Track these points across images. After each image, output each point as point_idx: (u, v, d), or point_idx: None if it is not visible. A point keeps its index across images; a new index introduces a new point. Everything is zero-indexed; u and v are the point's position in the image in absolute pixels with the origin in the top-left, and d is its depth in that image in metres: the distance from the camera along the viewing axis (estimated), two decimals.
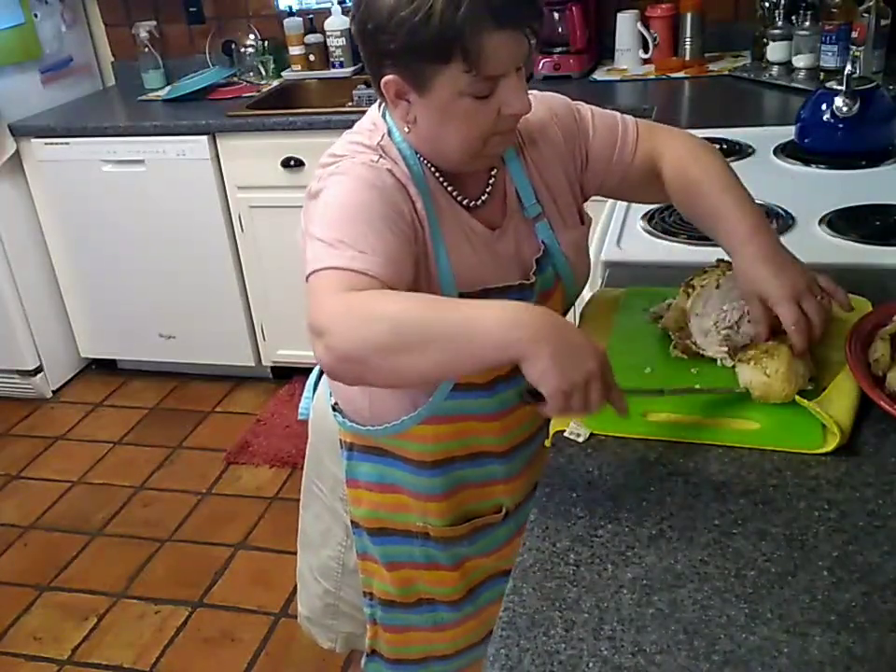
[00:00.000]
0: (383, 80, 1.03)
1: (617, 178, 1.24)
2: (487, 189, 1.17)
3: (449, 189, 1.13)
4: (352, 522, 1.34)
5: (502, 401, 1.19)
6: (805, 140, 1.89)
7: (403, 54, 0.99)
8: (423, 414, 1.18)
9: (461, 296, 1.10)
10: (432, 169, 1.12)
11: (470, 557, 1.32)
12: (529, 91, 1.08)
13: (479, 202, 1.16)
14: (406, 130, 1.08)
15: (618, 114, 1.26)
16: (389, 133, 1.11)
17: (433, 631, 1.38)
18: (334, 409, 1.28)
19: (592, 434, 1.05)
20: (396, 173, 1.07)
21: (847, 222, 1.54)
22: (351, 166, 1.06)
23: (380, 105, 1.14)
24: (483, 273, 1.13)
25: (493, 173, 1.18)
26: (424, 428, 1.19)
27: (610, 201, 1.71)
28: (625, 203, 1.69)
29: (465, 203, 1.15)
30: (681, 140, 1.24)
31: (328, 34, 3.13)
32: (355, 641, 1.51)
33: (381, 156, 1.08)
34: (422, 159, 1.11)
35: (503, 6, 0.96)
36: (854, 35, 2.24)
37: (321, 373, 1.37)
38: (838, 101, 1.80)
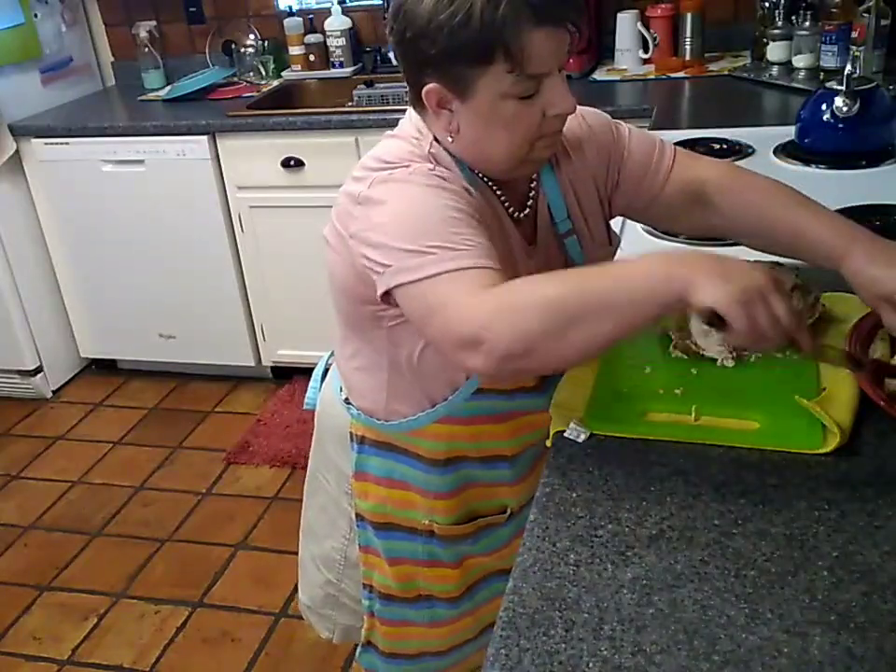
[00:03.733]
0: (424, 90, 1.02)
1: (644, 202, 1.23)
2: (529, 203, 1.15)
3: (500, 196, 1.12)
4: (357, 514, 1.35)
5: (519, 405, 1.21)
6: (805, 140, 1.89)
7: (445, 59, 0.98)
8: (441, 412, 1.18)
9: None
10: (482, 177, 1.10)
11: (472, 556, 1.33)
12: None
13: (522, 214, 1.14)
14: (450, 140, 1.06)
15: (658, 139, 1.24)
16: (437, 139, 1.09)
17: (429, 627, 1.39)
18: (347, 402, 1.28)
19: (592, 434, 1.05)
20: (452, 180, 1.05)
21: None
22: (408, 174, 1.04)
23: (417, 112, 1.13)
24: None
25: (532, 185, 1.16)
26: (439, 427, 1.19)
27: None
28: None
29: (511, 211, 1.13)
30: (726, 167, 1.23)
31: (328, 34, 3.13)
32: (352, 633, 1.52)
33: (435, 164, 1.06)
34: (469, 167, 1.09)
35: (543, 3, 0.96)
36: (854, 35, 2.24)
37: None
38: (838, 101, 1.80)
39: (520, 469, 1.27)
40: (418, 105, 1.06)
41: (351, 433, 1.29)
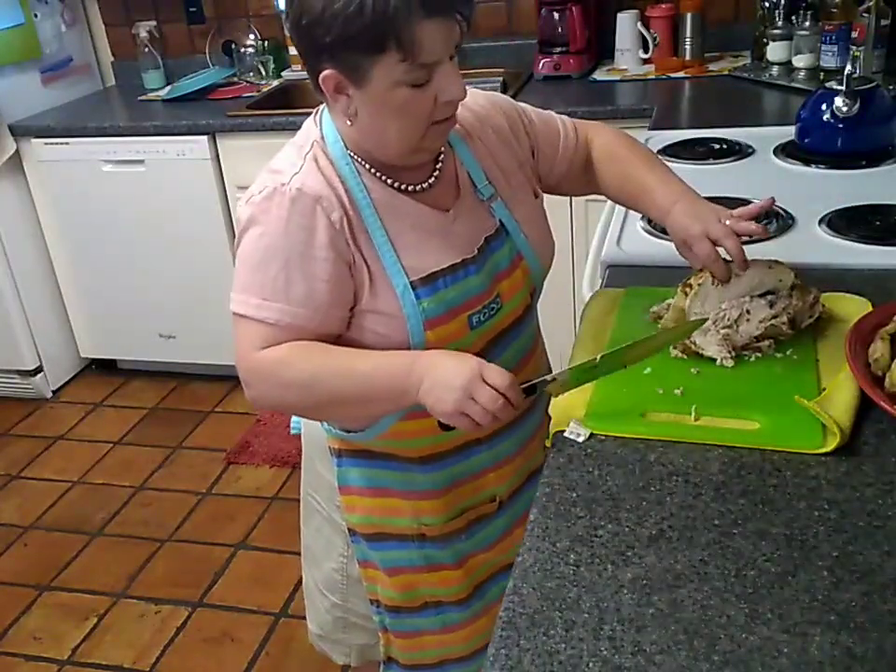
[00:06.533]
0: (321, 76, 1.04)
1: (566, 165, 1.31)
2: (434, 174, 1.17)
3: (388, 181, 1.13)
4: (349, 529, 1.34)
5: None
6: (805, 140, 1.89)
7: (339, 47, 1.00)
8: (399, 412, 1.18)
9: (412, 284, 1.10)
10: (367, 166, 1.12)
11: (471, 553, 1.32)
12: (473, 88, 1.14)
13: (425, 185, 1.16)
14: (348, 123, 1.09)
15: (550, 111, 1.35)
16: (323, 138, 1.12)
17: (444, 633, 1.37)
18: None
19: (592, 434, 1.05)
20: (315, 183, 1.08)
21: (847, 222, 1.54)
22: (269, 201, 1.08)
23: (316, 115, 1.16)
24: (437, 257, 1.13)
25: (440, 158, 1.19)
26: (405, 425, 1.19)
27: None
28: None
29: (408, 189, 1.15)
30: (609, 130, 1.36)
31: None
32: (368, 652, 1.50)
33: (301, 167, 1.09)
34: (354, 156, 1.11)
35: None
36: (854, 35, 2.24)
37: None
38: (838, 101, 1.80)
39: (499, 451, 1.26)
40: (317, 90, 1.09)
41: (329, 448, 1.30)
